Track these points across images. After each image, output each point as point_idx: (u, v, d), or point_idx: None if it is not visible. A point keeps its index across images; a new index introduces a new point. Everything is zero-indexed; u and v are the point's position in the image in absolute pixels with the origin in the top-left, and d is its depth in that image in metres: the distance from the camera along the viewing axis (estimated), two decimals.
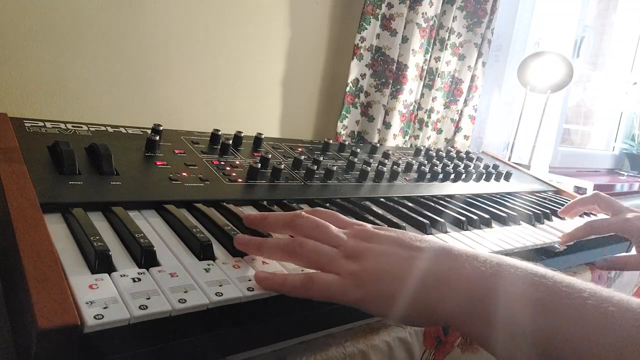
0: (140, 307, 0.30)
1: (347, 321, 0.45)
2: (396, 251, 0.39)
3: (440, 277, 0.37)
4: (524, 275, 0.35)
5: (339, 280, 0.38)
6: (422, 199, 0.72)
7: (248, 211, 0.53)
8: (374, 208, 0.62)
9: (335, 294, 0.37)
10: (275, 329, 0.38)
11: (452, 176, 0.86)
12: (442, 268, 0.37)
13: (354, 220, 0.45)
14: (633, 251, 0.71)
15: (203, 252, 0.40)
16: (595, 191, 0.78)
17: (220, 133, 0.69)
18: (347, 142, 0.85)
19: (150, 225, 0.45)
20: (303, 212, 0.43)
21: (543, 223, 0.76)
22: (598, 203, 0.77)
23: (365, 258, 0.39)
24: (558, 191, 1.04)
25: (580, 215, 0.86)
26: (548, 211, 0.79)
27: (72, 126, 0.61)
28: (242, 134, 0.71)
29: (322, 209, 0.47)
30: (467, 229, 0.63)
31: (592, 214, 0.89)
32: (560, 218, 0.82)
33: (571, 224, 0.79)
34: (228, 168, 0.61)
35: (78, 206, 0.43)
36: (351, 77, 1.13)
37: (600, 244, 0.78)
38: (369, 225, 0.43)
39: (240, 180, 0.59)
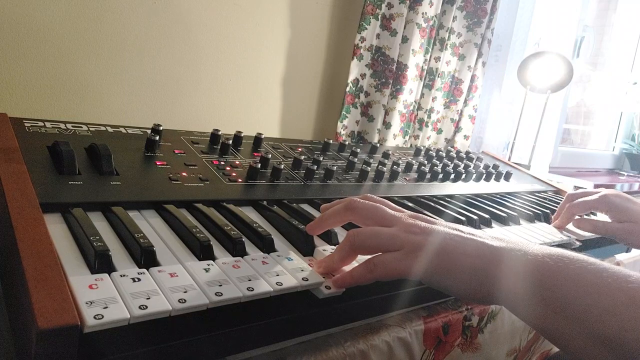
0: (140, 307, 0.30)
1: (347, 321, 0.45)
2: (454, 232, 0.42)
3: (501, 256, 0.39)
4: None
5: (399, 254, 0.40)
6: (422, 199, 0.72)
7: (248, 211, 0.53)
8: None
9: (397, 268, 0.40)
10: (275, 329, 0.38)
11: (452, 176, 0.86)
12: (505, 248, 0.40)
13: (402, 209, 0.48)
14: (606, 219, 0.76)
15: (203, 252, 0.40)
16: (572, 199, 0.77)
17: (220, 133, 0.69)
18: (347, 142, 0.85)
19: (150, 225, 0.45)
20: (355, 198, 0.46)
21: (543, 222, 0.76)
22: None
23: (426, 233, 0.41)
24: (558, 191, 1.04)
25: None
26: (548, 211, 0.79)
27: (72, 126, 0.61)
28: (242, 134, 0.71)
29: (372, 195, 0.50)
30: None
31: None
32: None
33: (570, 224, 0.79)
34: (228, 168, 0.61)
35: (78, 206, 0.43)
36: (351, 77, 1.13)
37: (601, 244, 0.78)
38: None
39: (240, 180, 0.59)
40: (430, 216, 0.52)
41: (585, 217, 0.78)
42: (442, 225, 0.44)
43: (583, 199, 0.75)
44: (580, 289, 0.35)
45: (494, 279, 0.39)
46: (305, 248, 0.46)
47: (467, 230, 0.43)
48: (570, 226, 0.76)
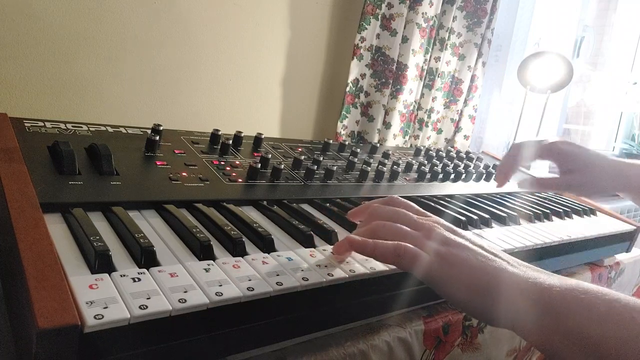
0: (140, 307, 0.30)
1: (347, 321, 0.45)
2: (476, 249, 0.42)
3: (513, 284, 0.39)
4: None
5: (426, 256, 0.40)
6: (422, 199, 0.72)
7: (248, 211, 0.53)
8: None
9: (420, 268, 0.40)
10: (275, 329, 0.38)
11: (452, 176, 0.86)
12: (524, 275, 0.39)
13: (426, 212, 0.49)
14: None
15: (203, 252, 0.40)
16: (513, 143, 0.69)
17: (220, 133, 0.69)
18: (347, 142, 0.85)
19: (150, 225, 0.45)
20: (377, 204, 0.47)
21: (543, 222, 0.76)
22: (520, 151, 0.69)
23: (450, 245, 0.41)
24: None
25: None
26: (548, 211, 0.79)
27: (72, 126, 0.61)
28: (242, 134, 0.71)
29: (397, 197, 0.50)
30: (467, 229, 0.63)
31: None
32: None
33: (571, 223, 0.79)
34: (228, 168, 0.61)
35: (78, 206, 0.43)
36: (351, 77, 1.13)
37: (601, 243, 0.78)
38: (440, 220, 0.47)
39: (240, 180, 0.59)
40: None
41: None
42: (464, 239, 0.43)
43: (527, 148, 0.68)
44: (592, 319, 0.35)
45: (501, 302, 0.38)
46: (306, 247, 0.46)
47: (488, 249, 0.43)
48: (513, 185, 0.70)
